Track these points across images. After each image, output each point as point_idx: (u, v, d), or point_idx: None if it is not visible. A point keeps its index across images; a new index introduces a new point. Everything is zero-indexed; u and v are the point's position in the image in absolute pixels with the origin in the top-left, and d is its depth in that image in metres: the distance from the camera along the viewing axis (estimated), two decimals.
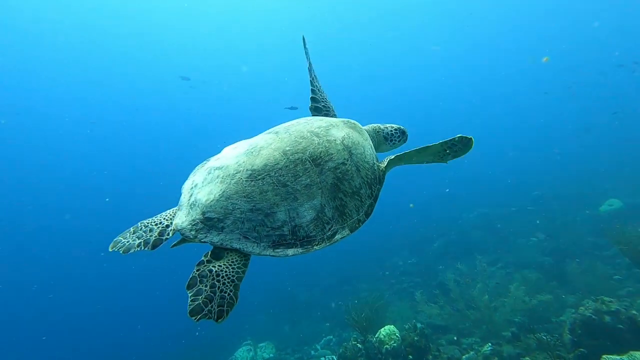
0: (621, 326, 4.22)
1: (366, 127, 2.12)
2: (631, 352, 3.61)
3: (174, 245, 1.61)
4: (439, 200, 18.91)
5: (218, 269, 1.32)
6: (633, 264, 6.67)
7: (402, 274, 11.35)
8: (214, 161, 1.65)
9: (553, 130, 32.88)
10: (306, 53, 2.37)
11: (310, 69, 2.36)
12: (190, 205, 1.47)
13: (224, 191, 1.41)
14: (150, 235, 1.47)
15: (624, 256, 6.95)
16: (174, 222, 1.47)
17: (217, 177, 1.48)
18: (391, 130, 2.17)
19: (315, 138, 1.61)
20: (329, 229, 1.49)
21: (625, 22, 32.50)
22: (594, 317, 4.39)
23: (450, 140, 1.84)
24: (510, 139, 33.94)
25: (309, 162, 1.50)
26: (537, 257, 9.14)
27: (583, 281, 6.88)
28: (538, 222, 11.25)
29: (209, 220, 1.38)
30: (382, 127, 2.20)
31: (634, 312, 4.32)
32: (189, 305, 1.19)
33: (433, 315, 7.00)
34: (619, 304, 4.51)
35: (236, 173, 1.45)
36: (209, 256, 1.40)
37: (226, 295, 1.25)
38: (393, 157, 1.84)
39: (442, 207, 17.44)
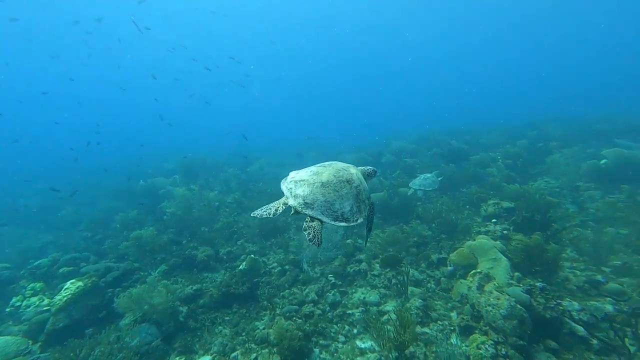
0: None
1: (359, 168, 3.28)
2: None
3: (292, 214, 2.65)
4: None
5: (314, 224, 2.44)
6: None
7: None
8: (292, 177, 2.80)
9: None
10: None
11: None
12: (293, 197, 2.60)
13: (311, 190, 2.56)
14: (271, 211, 2.60)
15: None
16: (289, 203, 2.58)
17: (304, 184, 2.64)
18: (371, 170, 3.35)
19: (344, 171, 2.80)
20: (356, 216, 2.58)
21: None
22: None
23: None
24: None
25: (345, 182, 2.65)
26: None
27: None
28: None
29: (306, 203, 2.50)
30: (366, 168, 3.36)
31: None
32: (307, 236, 2.35)
33: None
34: None
35: (314, 183, 2.60)
36: (309, 219, 2.49)
37: (319, 237, 2.38)
38: None
39: None
